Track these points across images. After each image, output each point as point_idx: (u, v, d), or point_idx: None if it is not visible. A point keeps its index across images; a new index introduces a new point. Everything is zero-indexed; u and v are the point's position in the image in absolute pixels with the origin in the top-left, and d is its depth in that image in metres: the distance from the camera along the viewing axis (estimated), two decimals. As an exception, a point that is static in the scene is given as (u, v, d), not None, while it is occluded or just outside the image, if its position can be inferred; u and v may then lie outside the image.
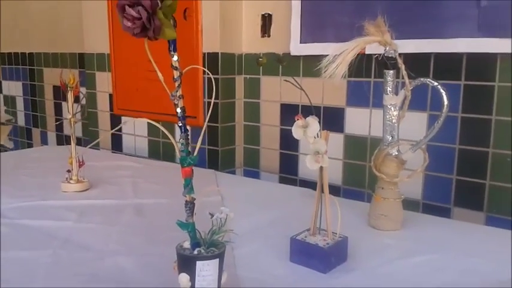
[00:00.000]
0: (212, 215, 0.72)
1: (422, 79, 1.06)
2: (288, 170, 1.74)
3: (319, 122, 0.83)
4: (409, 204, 1.28)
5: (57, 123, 2.61)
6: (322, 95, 1.61)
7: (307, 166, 0.85)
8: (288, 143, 1.73)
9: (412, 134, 1.17)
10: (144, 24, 0.60)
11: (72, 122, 1.39)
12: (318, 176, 0.90)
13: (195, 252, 0.70)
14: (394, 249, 0.98)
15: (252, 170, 1.84)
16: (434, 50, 1.34)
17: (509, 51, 1.21)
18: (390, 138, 1.08)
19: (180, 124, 0.69)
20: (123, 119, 2.11)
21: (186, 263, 0.69)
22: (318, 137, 0.84)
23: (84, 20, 2.21)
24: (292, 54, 1.64)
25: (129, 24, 0.60)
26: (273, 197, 1.39)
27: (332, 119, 1.58)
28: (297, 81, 0.96)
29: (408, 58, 1.26)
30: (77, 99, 1.43)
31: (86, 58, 2.25)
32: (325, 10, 1.54)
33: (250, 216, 1.14)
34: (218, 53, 1.72)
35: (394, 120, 1.08)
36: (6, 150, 2.76)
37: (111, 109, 2.17)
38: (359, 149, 1.54)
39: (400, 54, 1.04)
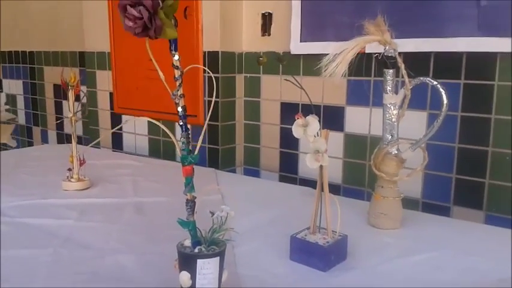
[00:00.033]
0: (213, 214, 0.72)
1: (421, 78, 1.06)
2: (288, 169, 1.74)
3: (319, 121, 0.83)
4: (408, 203, 1.28)
5: (58, 121, 2.61)
6: (322, 94, 1.61)
7: (307, 165, 0.86)
8: (288, 141, 1.73)
9: (411, 132, 1.17)
10: (145, 24, 0.60)
11: (73, 121, 1.39)
12: (318, 174, 0.91)
13: (196, 250, 0.70)
14: (394, 247, 0.98)
15: (252, 168, 1.84)
16: (434, 49, 1.34)
17: (509, 51, 1.21)
18: (390, 137, 1.09)
19: (181, 123, 0.69)
20: (124, 117, 2.12)
21: (187, 261, 0.69)
22: (318, 135, 0.84)
23: (84, 19, 2.21)
24: (292, 53, 1.64)
25: (130, 24, 0.61)
26: (273, 195, 1.39)
27: (332, 118, 1.59)
28: (297, 80, 0.97)
29: (408, 57, 1.26)
30: (77, 98, 1.44)
31: (87, 56, 2.25)
32: (325, 9, 1.54)
33: (250, 214, 1.14)
34: (218, 51, 1.72)
35: (393, 119, 1.08)
36: (7, 149, 2.76)
37: (112, 108, 2.17)
38: (359, 148, 1.54)
39: (400, 53, 1.04)
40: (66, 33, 2.48)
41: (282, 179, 1.76)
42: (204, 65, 1.75)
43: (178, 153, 0.70)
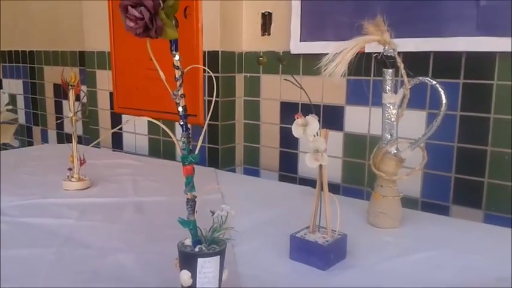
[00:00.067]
0: (213, 213, 0.72)
1: (421, 78, 1.06)
2: (288, 168, 1.75)
3: (319, 121, 0.83)
4: (407, 202, 1.28)
5: (58, 121, 2.61)
6: (321, 94, 1.61)
7: (307, 164, 0.86)
8: (288, 141, 1.73)
9: (410, 132, 1.18)
10: (146, 24, 0.60)
11: (73, 121, 1.40)
12: (317, 174, 0.91)
13: (197, 249, 0.70)
14: (393, 246, 0.98)
15: (252, 168, 1.85)
16: (434, 49, 1.34)
17: (508, 50, 1.22)
18: (389, 136, 1.09)
19: (182, 123, 0.69)
20: (124, 117, 2.12)
21: (188, 260, 0.70)
22: (317, 135, 0.85)
23: (84, 19, 2.21)
24: (292, 52, 1.65)
25: (131, 24, 0.61)
26: (273, 195, 1.39)
27: (331, 118, 1.59)
28: (296, 79, 0.97)
29: (407, 57, 1.26)
30: (78, 98, 1.44)
31: (87, 56, 2.25)
32: (325, 9, 1.54)
33: (250, 214, 1.15)
34: (218, 51, 1.72)
35: (393, 119, 1.08)
36: (7, 149, 2.76)
37: (112, 107, 2.17)
38: (358, 147, 1.54)
39: (399, 53, 1.04)
40: (66, 33, 2.48)
41: (282, 178, 1.76)
42: (204, 65, 1.75)
43: (179, 152, 0.70)
